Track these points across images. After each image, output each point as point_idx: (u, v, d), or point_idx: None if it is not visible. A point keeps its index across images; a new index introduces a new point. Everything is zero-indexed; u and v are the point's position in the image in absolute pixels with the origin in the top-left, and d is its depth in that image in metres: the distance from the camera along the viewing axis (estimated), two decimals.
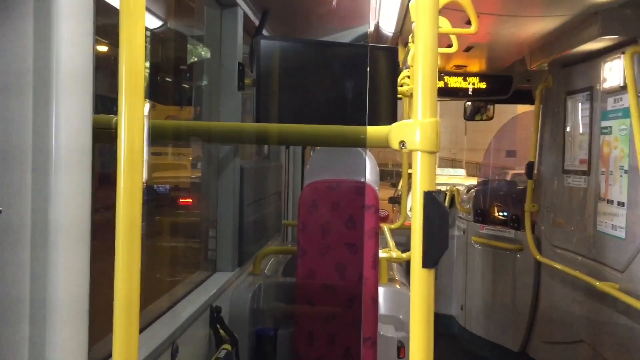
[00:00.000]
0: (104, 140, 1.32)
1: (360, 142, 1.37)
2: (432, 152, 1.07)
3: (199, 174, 3.66)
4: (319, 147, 4.26)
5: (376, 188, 2.93)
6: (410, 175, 5.90)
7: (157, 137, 1.89)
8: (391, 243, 3.61)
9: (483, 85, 5.75)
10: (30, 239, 1.12)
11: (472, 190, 6.27)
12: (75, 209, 1.14)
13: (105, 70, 1.82)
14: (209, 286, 2.64)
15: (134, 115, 1.04)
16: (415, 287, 1.08)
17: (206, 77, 3.32)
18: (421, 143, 1.07)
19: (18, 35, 1.09)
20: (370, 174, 2.94)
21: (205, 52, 3.25)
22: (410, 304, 1.08)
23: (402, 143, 1.10)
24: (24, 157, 1.11)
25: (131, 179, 1.04)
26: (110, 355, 1.01)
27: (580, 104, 4.30)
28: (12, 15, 1.08)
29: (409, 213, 5.82)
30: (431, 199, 1.07)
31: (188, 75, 3.40)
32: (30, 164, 1.11)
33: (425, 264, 1.07)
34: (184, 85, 3.51)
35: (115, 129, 1.50)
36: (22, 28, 1.09)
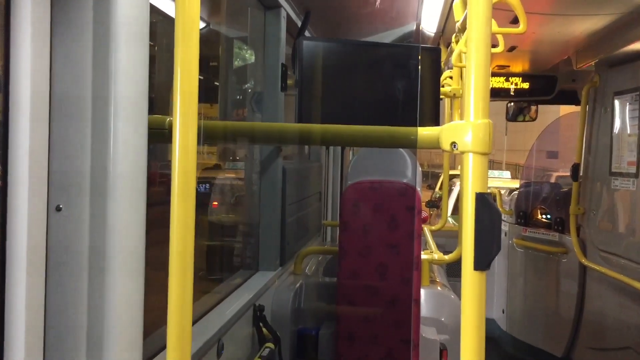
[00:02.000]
0: (157, 141, 1.35)
1: (411, 143, 1.36)
2: (484, 154, 1.06)
3: (232, 175, 3.68)
4: (358, 149, 4.22)
5: (418, 189, 2.91)
6: (451, 176, 5.84)
7: (205, 138, 1.91)
8: (432, 245, 3.58)
9: (526, 85, 5.65)
10: (88, 262, 1.14)
11: (514, 192, 6.16)
12: (131, 234, 1.15)
13: None
14: (251, 285, 2.67)
15: (188, 116, 1.06)
16: (466, 289, 1.07)
17: (249, 77, 3.35)
18: (473, 144, 1.06)
19: (78, 62, 1.12)
20: (412, 175, 2.92)
21: (248, 54, 3.29)
22: (461, 306, 1.08)
23: (453, 144, 1.10)
24: (82, 180, 1.14)
25: (185, 178, 1.06)
26: (163, 347, 1.03)
27: (629, 104, 4.19)
28: (73, 43, 1.12)
29: (449, 218, 5.76)
30: (483, 201, 1.06)
31: (218, 73, 3.43)
32: (88, 188, 1.14)
33: (477, 266, 1.06)
34: (215, 83, 3.55)
35: (169, 129, 1.53)
36: (82, 55, 1.13)
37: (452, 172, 6.57)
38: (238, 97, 3.49)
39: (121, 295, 1.15)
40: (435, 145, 1.18)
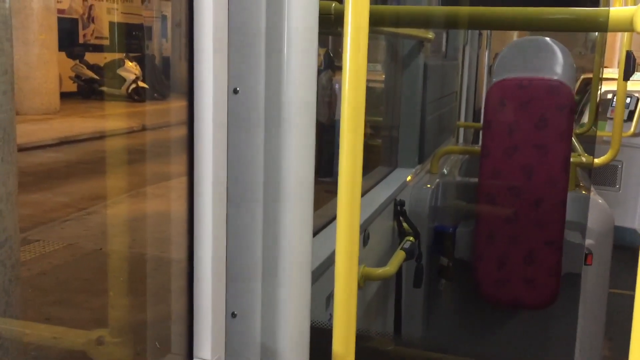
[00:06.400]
0: (322, 27, 1.34)
1: (599, 26, 1.24)
2: None
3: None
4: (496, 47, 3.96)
5: (571, 87, 2.73)
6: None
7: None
8: (579, 147, 3.39)
9: None
10: (262, 197, 1.17)
11: None
12: (300, 163, 1.16)
13: None
14: (391, 181, 2.70)
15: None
16: None
17: None
18: None
19: None
20: (565, 71, 2.73)
21: None
22: None
23: None
24: (257, 116, 1.16)
25: (355, 64, 1.05)
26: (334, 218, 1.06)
27: None
28: None
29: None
30: None
31: None
32: (263, 121, 1.16)
33: None
34: None
35: (335, 15, 1.53)
36: None
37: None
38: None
39: (292, 231, 1.18)
40: (627, 27, 1.07)
